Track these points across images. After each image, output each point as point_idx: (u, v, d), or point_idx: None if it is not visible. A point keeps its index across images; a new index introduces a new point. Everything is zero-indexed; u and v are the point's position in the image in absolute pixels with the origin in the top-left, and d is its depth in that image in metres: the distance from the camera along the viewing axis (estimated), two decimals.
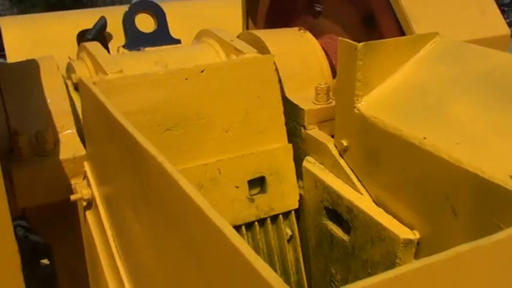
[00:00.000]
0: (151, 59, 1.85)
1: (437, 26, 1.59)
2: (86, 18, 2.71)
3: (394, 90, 1.44)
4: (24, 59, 1.75)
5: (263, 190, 1.71)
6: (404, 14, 1.62)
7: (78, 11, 3.03)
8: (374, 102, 1.44)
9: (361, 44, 1.41)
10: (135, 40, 2.08)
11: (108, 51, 2.43)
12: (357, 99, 1.45)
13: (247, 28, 2.48)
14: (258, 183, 1.71)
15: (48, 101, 1.60)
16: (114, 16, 2.62)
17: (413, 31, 1.60)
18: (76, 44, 2.57)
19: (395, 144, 1.31)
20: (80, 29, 2.62)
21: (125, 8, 2.60)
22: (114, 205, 1.28)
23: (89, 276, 1.58)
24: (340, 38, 1.50)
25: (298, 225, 1.76)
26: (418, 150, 1.23)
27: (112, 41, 2.65)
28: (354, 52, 1.42)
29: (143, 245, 1.09)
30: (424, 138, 1.23)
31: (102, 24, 2.61)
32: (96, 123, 1.35)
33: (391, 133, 1.32)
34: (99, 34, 2.62)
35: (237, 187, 1.65)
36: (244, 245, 0.61)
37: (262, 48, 1.85)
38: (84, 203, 1.44)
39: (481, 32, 1.68)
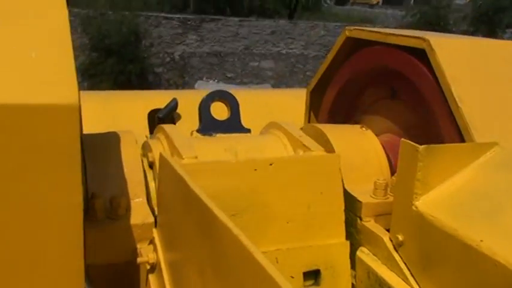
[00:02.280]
0: (222, 145, 1.96)
1: (497, 135, 1.67)
2: (158, 98, 2.91)
3: (452, 193, 1.50)
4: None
5: (317, 283, 1.75)
6: (465, 122, 1.70)
7: (151, 91, 3.23)
8: (432, 202, 1.50)
9: (423, 146, 1.50)
10: (208, 126, 2.21)
11: None
12: (416, 197, 1.52)
13: (309, 120, 2.61)
14: (313, 275, 1.75)
15: (125, 170, 1.73)
16: (184, 98, 2.80)
17: (473, 138, 1.67)
18: (147, 121, 2.75)
19: (451, 245, 1.36)
20: (151, 108, 2.80)
21: (193, 92, 2.79)
22: (180, 270, 1.36)
23: None
24: (402, 139, 1.59)
25: None
26: (475, 252, 1.28)
27: (180, 121, 2.82)
28: (415, 153, 1.51)
29: None
30: (481, 241, 1.28)
31: (173, 105, 2.79)
32: (172, 196, 1.46)
33: (448, 233, 1.38)
34: (169, 114, 2.79)
35: (292, 277, 1.69)
36: None
37: (325, 142, 1.95)
38: (148, 267, 1.52)
39: None
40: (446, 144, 1.60)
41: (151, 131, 2.73)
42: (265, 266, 0.85)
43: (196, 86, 9.92)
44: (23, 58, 1.22)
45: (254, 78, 12.24)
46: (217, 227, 1.03)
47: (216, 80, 10.91)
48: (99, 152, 1.77)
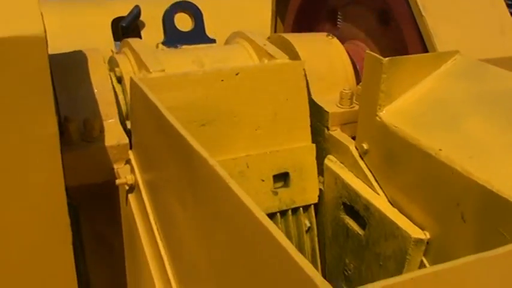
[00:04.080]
0: (188, 57, 1.98)
1: (459, 43, 1.71)
2: (119, 6, 2.84)
3: (414, 103, 1.57)
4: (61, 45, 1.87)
5: (286, 184, 1.85)
6: (428, 31, 1.74)
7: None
8: (395, 112, 1.57)
9: (387, 58, 1.54)
10: (173, 38, 2.21)
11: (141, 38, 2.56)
12: (379, 108, 1.58)
13: (276, 26, 2.60)
14: (282, 178, 1.85)
15: (95, 91, 1.74)
16: (148, 5, 2.75)
17: (436, 48, 1.72)
18: (110, 30, 2.70)
19: (412, 153, 1.45)
20: (115, 17, 2.75)
21: None
22: (158, 191, 1.44)
23: (126, 254, 1.73)
24: (367, 51, 1.63)
25: (316, 218, 1.91)
26: (434, 160, 1.37)
27: (145, 28, 2.78)
28: (379, 65, 1.55)
29: (187, 232, 1.24)
30: (440, 149, 1.37)
31: (136, 13, 2.74)
32: (144, 117, 1.49)
33: (410, 142, 1.46)
34: (133, 22, 2.75)
35: (263, 180, 1.80)
36: (290, 246, 0.76)
37: (291, 52, 1.97)
38: (127, 187, 1.59)
39: (500, 51, 1.80)
40: (409, 56, 1.64)
41: (115, 39, 2.70)
42: (240, 196, 0.92)
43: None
44: None
45: None
46: (193, 157, 1.08)
47: None
48: (67, 74, 1.76)
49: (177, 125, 1.16)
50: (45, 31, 1.21)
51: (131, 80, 1.54)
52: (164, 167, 1.38)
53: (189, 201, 1.20)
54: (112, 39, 2.70)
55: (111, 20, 2.73)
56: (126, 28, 2.70)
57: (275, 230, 0.81)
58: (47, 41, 1.25)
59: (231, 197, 0.93)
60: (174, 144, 1.23)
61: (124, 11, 2.73)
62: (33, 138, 1.27)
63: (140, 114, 1.54)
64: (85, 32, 2.68)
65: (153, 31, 2.66)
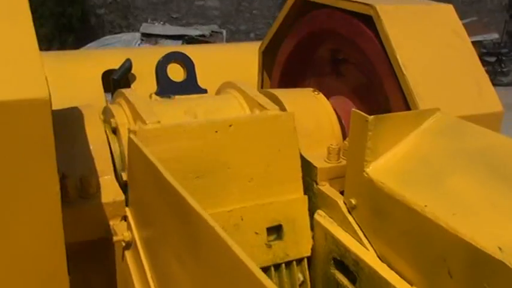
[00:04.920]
0: (181, 108, 2.03)
1: (439, 101, 1.81)
2: (110, 57, 2.92)
3: (400, 159, 1.65)
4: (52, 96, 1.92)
5: (279, 237, 1.88)
6: (410, 89, 1.83)
7: (102, 51, 3.22)
8: (381, 168, 1.64)
9: (372, 116, 1.62)
10: (166, 88, 2.26)
11: None
12: (366, 164, 1.65)
13: (262, 80, 2.70)
14: (275, 230, 1.88)
15: (91, 147, 1.79)
16: (139, 58, 2.83)
17: (417, 105, 1.81)
18: (101, 82, 2.77)
19: (399, 209, 1.52)
20: (105, 69, 2.82)
21: (146, 50, 2.80)
22: (155, 247, 1.47)
23: None
24: (353, 109, 1.71)
25: (309, 271, 1.94)
26: (420, 216, 1.43)
27: (135, 82, 2.85)
28: (365, 123, 1.63)
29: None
30: (425, 206, 1.44)
31: (127, 66, 2.82)
32: (141, 173, 1.54)
33: (396, 198, 1.52)
34: (124, 75, 2.82)
35: (257, 233, 1.83)
36: None
37: (279, 107, 2.04)
38: (124, 244, 1.62)
39: (478, 108, 1.90)
40: (393, 114, 1.73)
41: (105, 91, 2.77)
42: (237, 253, 0.97)
43: (141, 29, 9.74)
44: None
45: (200, 18, 12.04)
46: (193, 218, 1.13)
47: (161, 22, 10.70)
48: (64, 131, 1.81)
49: (173, 180, 1.22)
50: (49, 94, 1.27)
51: (129, 137, 1.60)
52: (161, 223, 1.43)
53: (187, 258, 1.25)
54: (102, 91, 2.77)
55: (102, 72, 2.81)
56: (118, 81, 2.77)
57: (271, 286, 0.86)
58: (51, 104, 1.30)
59: (228, 253, 0.98)
60: (171, 200, 1.28)
61: (115, 64, 2.80)
62: (36, 198, 1.31)
63: (138, 170, 1.58)
64: (76, 84, 2.75)
65: (143, 85, 2.72)
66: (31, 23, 1.35)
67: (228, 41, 11.00)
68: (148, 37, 9.62)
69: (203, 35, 10.00)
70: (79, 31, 11.09)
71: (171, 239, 1.34)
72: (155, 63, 2.45)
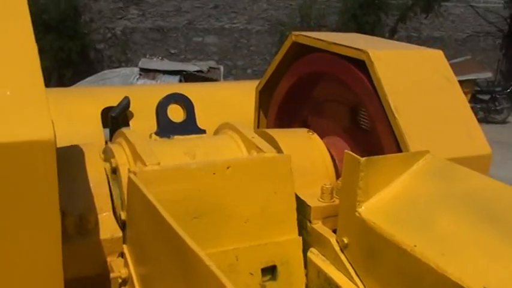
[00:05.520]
0: (181, 148, 2.08)
1: (429, 143, 1.87)
2: (109, 95, 2.99)
3: (391, 200, 1.70)
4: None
5: (274, 278, 1.90)
6: (401, 131, 1.89)
7: (101, 88, 3.31)
8: (373, 208, 1.70)
9: (364, 158, 1.68)
10: (166, 128, 2.31)
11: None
12: (358, 204, 1.70)
13: (259, 120, 2.77)
14: (270, 271, 1.91)
15: (91, 185, 1.84)
16: (136, 95, 2.90)
17: (408, 147, 1.87)
18: (100, 119, 2.83)
19: (390, 248, 1.56)
20: (104, 106, 2.89)
21: (144, 88, 2.88)
22: (152, 286, 1.51)
23: None
24: (346, 151, 1.77)
25: None
26: (409, 256, 1.48)
27: (133, 119, 2.92)
28: (357, 164, 1.69)
29: None
30: (415, 246, 1.49)
31: (125, 103, 2.89)
32: (140, 212, 1.59)
33: (387, 238, 1.57)
34: (122, 112, 2.89)
35: (252, 274, 1.85)
36: None
37: (275, 147, 2.10)
38: (120, 280, 1.66)
39: (467, 151, 1.96)
40: (384, 155, 1.79)
41: (104, 126, 2.83)
42: None
43: (140, 64, 9.86)
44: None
45: (198, 54, 12.23)
46: (189, 257, 1.18)
47: (159, 57, 10.84)
48: (65, 169, 1.86)
49: (171, 221, 1.26)
50: (55, 135, 1.32)
51: (129, 178, 1.65)
52: (158, 261, 1.47)
53: None
54: (101, 128, 2.83)
55: (101, 109, 2.87)
56: (116, 119, 2.84)
57: None
58: (56, 145, 1.36)
59: None
60: (169, 239, 1.32)
61: (113, 101, 2.87)
62: (37, 236, 1.35)
63: (137, 209, 1.63)
64: (75, 121, 2.81)
65: (141, 122, 2.79)
66: (38, 61, 1.41)
67: (225, 76, 11.15)
68: (146, 72, 9.71)
69: (201, 71, 10.11)
70: (78, 65, 11.23)
71: (167, 276, 1.38)
72: (152, 100, 2.51)
